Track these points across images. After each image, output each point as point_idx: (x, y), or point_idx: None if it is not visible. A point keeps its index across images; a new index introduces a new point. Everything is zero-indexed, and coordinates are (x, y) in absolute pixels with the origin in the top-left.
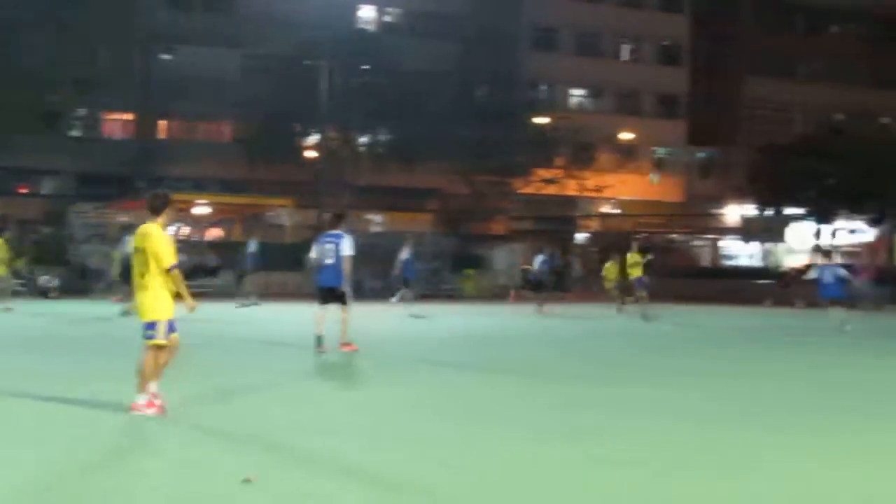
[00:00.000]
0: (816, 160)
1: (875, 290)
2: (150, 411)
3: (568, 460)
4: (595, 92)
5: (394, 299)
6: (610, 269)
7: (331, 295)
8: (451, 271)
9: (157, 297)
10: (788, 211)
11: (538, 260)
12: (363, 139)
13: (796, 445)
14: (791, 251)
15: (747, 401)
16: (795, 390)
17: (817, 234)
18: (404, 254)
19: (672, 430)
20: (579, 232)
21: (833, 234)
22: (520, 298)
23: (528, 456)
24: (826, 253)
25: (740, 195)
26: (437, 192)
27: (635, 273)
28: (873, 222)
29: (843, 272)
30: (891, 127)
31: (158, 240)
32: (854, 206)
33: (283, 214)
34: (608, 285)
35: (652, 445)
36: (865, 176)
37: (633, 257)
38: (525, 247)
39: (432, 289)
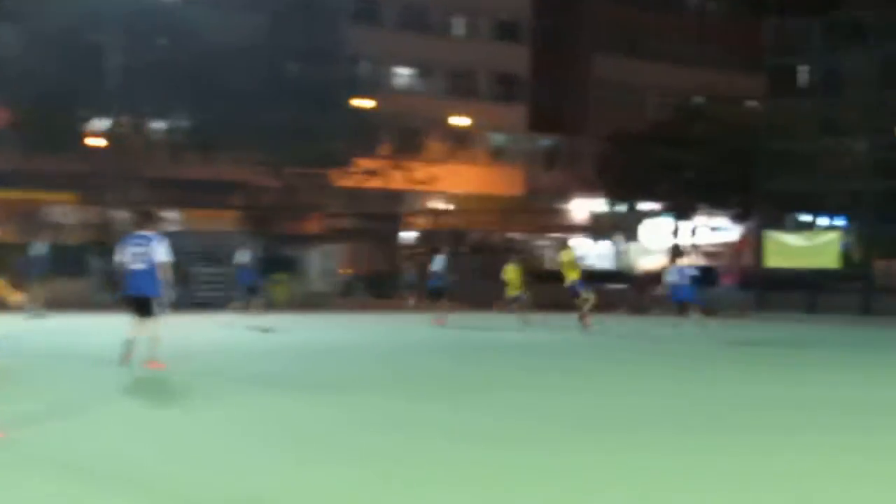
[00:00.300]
0: (673, 149)
1: (738, 295)
2: None
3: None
4: (424, 71)
5: (236, 304)
6: (511, 272)
7: (144, 306)
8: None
9: None
10: (643, 206)
11: (438, 262)
12: (157, 125)
13: (565, 465)
14: (646, 251)
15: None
16: (607, 407)
17: (675, 233)
18: (242, 257)
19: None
20: (405, 230)
21: (693, 232)
22: (422, 306)
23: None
24: (677, 253)
25: (588, 188)
26: (241, 186)
27: (572, 276)
28: (737, 218)
29: (694, 272)
30: (756, 111)
31: None
32: (716, 200)
33: (64, 212)
34: (511, 293)
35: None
36: (728, 166)
37: (567, 255)
38: (343, 248)
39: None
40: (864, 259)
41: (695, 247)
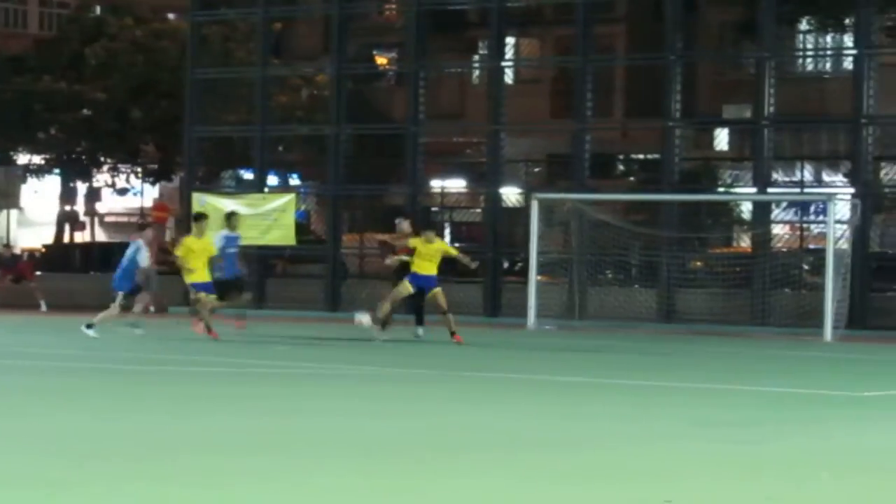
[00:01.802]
0: (61, 79)
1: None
2: None
3: None
4: None
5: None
6: None
7: None
8: None
9: None
10: (23, 160)
11: (220, 238)
12: None
13: None
14: (29, 223)
15: None
16: None
17: (68, 196)
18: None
19: None
20: None
21: (92, 196)
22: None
23: None
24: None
25: None
26: None
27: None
28: (156, 176)
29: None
30: (180, 27)
31: None
32: (125, 150)
33: None
34: None
35: None
36: (142, 104)
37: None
38: None
39: None
40: (330, 233)
41: (95, 215)
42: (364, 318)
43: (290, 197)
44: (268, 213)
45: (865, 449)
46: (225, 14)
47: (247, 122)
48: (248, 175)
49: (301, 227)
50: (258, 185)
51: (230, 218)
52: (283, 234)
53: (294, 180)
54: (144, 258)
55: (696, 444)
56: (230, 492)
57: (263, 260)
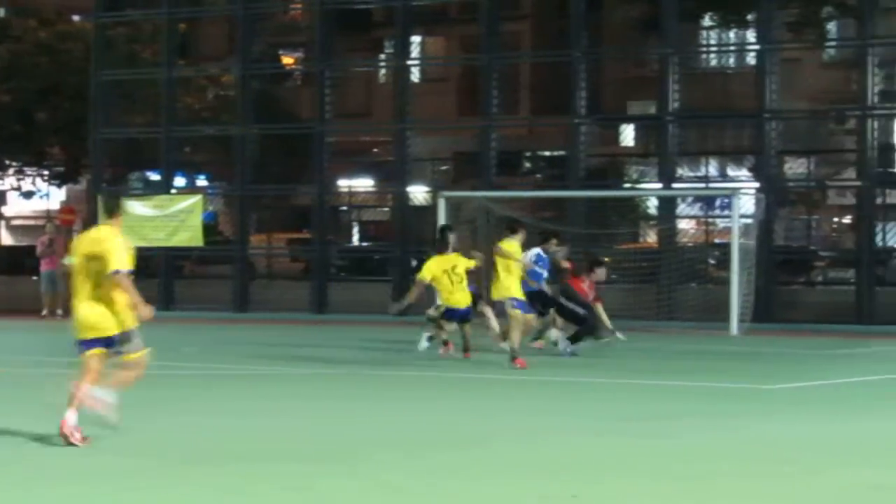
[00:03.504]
0: None
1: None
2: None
3: None
4: None
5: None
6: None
7: None
8: None
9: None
10: None
11: None
12: None
13: None
14: None
15: None
16: None
17: None
18: None
19: None
20: None
21: None
22: None
23: None
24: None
25: None
26: None
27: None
28: (62, 179)
29: None
30: (85, 28)
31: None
32: (31, 152)
33: None
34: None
35: None
36: (49, 105)
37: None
38: None
39: None
40: (238, 233)
41: (1, 219)
42: (555, 335)
43: (198, 198)
44: (175, 215)
45: (772, 442)
46: (130, 15)
47: (153, 124)
48: (154, 177)
49: (209, 228)
50: (165, 187)
51: None
52: (190, 235)
53: (201, 181)
54: None
55: (605, 438)
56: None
57: (171, 261)
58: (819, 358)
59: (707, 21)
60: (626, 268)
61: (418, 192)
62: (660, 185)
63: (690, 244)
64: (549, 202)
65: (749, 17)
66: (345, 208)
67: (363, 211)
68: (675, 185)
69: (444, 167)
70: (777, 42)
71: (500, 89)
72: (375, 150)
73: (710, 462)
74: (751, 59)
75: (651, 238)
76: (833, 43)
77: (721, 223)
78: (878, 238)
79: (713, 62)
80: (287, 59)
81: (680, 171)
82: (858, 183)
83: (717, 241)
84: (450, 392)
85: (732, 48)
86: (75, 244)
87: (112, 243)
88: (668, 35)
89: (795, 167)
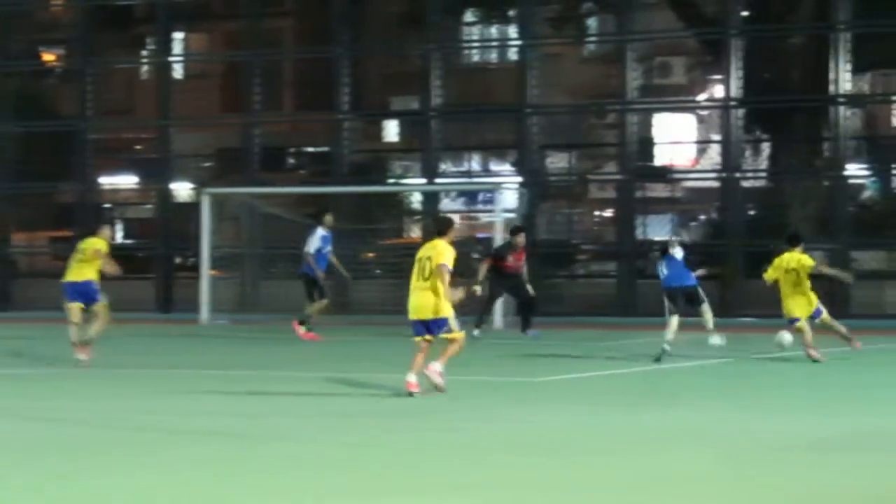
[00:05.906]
0: None
1: None
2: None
3: None
4: None
5: None
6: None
7: None
8: None
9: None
10: None
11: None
12: None
13: None
14: None
15: None
16: None
17: None
18: None
19: None
20: None
21: None
22: None
23: None
24: None
25: None
26: None
27: None
28: None
29: None
30: None
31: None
32: None
33: None
34: None
35: None
36: None
37: None
38: None
39: None
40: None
41: None
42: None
43: None
44: None
45: (535, 433)
46: None
47: None
48: None
49: None
50: None
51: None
52: None
53: None
54: None
55: (364, 435)
56: None
57: None
58: (580, 350)
59: (469, 16)
60: (390, 263)
61: (182, 189)
62: (423, 181)
63: (455, 239)
64: (313, 198)
65: (511, 12)
66: (108, 206)
67: (127, 208)
68: (438, 180)
69: (207, 164)
70: (538, 37)
71: (263, 85)
72: (138, 146)
73: (481, 452)
74: (513, 55)
75: (416, 233)
76: (593, 38)
77: (485, 217)
78: (639, 231)
79: (475, 57)
80: (48, 56)
81: (443, 166)
82: (619, 177)
83: (480, 235)
84: (194, 386)
85: (494, 43)
86: None
87: None
88: (430, 30)
89: (557, 161)
